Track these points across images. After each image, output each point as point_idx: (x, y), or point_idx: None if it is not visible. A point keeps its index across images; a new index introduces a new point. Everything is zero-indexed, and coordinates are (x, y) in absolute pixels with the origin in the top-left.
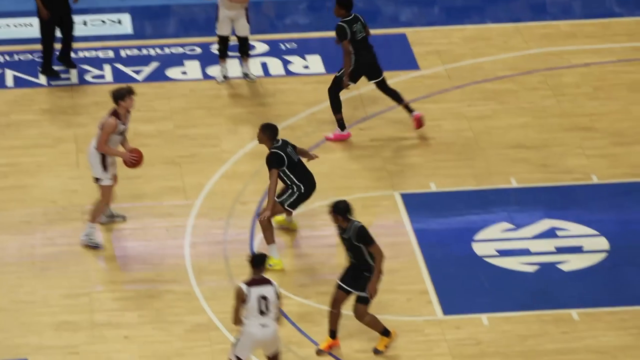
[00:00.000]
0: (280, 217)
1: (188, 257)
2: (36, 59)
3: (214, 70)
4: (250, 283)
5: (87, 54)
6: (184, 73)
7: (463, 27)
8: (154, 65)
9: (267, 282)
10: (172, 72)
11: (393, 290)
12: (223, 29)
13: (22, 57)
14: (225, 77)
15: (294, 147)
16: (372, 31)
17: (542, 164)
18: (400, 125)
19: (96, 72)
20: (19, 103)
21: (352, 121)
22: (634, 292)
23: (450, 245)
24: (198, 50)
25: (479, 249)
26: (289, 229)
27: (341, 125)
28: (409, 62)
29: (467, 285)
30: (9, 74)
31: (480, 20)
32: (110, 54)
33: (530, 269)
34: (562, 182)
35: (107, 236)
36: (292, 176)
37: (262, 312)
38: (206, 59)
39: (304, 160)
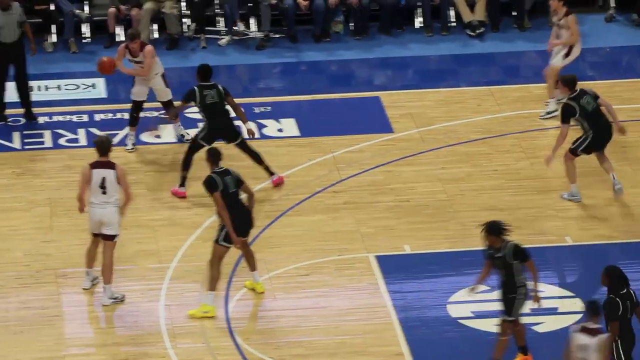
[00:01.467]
0: (247, 281)
1: (163, 319)
2: (9, 124)
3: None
4: None
5: (61, 117)
6: (158, 137)
7: (437, 90)
8: (128, 129)
9: None
10: (146, 136)
11: (368, 352)
12: (139, 94)
13: None
14: (134, 145)
15: (238, 181)
16: (346, 94)
17: (516, 226)
18: (373, 187)
19: (70, 135)
20: None
21: (327, 183)
22: None
23: (425, 307)
24: None
25: (454, 310)
26: (255, 290)
27: (183, 183)
28: (383, 125)
29: (443, 347)
30: None
31: (453, 84)
32: (85, 117)
33: None
34: (536, 244)
35: (83, 299)
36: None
37: None
38: (181, 123)
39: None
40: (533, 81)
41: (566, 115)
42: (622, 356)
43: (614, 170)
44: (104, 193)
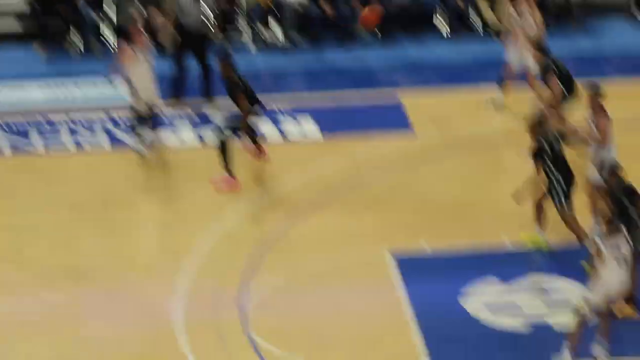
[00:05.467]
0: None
1: (181, 319)
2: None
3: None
4: None
5: (84, 120)
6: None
7: (461, 93)
8: (147, 130)
9: None
10: (169, 137)
11: (385, 351)
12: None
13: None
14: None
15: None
16: (368, 94)
17: (534, 223)
18: (392, 186)
19: (93, 139)
20: None
21: (349, 184)
22: (625, 345)
23: (442, 303)
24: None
25: (470, 306)
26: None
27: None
28: (405, 126)
29: (461, 345)
30: None
31: (478, 88)
32: (108, 120)
33: (521, 325)
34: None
35: (102, 299)
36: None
37: None
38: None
39: None
40: None
41: (548, 69)
42: None
43: None
44: None
